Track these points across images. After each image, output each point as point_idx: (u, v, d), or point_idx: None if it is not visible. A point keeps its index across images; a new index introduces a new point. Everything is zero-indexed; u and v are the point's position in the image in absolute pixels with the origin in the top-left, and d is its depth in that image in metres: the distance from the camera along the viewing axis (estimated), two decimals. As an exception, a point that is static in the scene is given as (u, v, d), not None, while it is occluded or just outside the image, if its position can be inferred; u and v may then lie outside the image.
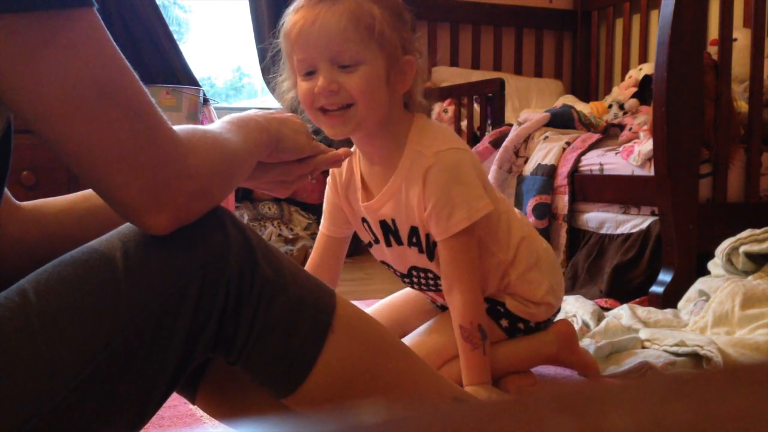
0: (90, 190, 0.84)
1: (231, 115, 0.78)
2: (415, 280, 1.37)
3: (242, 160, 0.74)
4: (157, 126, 0.62)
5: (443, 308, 1.44)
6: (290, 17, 1.14)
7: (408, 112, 1.24)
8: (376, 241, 1.35)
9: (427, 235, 1.25)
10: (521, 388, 1.32)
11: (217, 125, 0.74)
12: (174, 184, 0.62)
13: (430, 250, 1.27)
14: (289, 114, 0.90)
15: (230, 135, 0.73)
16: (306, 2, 1.13)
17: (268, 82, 3.24)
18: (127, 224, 0.66)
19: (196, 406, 0.87)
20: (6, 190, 0.78)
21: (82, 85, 0.57)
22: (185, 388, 0.84)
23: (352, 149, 1.31)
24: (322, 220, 1.40)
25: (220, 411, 0.85)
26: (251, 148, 0.76)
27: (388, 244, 1.31)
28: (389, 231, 1.30)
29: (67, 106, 0.57)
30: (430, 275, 1.34)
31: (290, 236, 2.92)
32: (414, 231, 1.27)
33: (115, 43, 0.60)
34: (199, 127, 0.70)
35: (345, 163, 1.31)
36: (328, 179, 1.37)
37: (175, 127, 0.64)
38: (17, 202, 0.81)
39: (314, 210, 3.13)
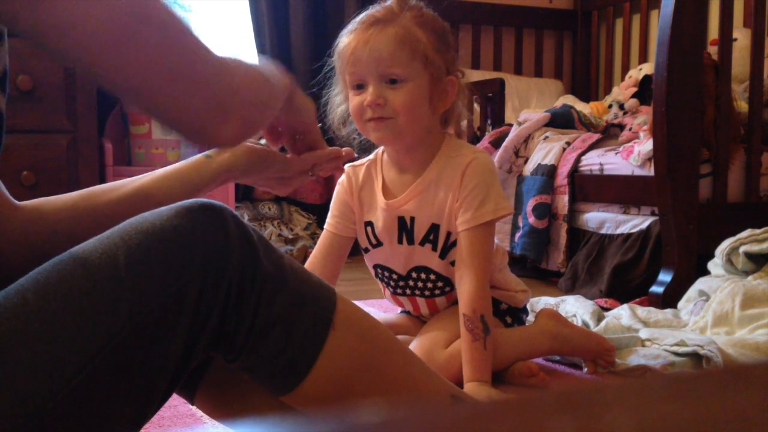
0: (90, 189, 0.84)
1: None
2: (411, 283, 1.40)
3: (272, 84, 0.75)
4: (197, 44, 0.63)
5: None
6: (344, 39, 1.29)
7: (442, 129, 1.35)
8: (376, 245, 1.39)
9: (448, 234, 1.33)
10: (526, 380, 1.34)
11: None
12: (231, 94, 0.64)
13: (445, 248, 1.35)
14: None
15: (253, 63, 0.74)
16: (359, 26, 1.27)
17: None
18: (129, 221, 0.66)
19: (195, 407, 0.87)
20: (5, 191, 0.78)
21: (117, 14, 0.57)
22: (184, 389, 0.84)
23: (371, 155, 1.40)
24: (329, 219, 1.42)
25: (219, 412, 0.85)
26: (277, 76, 0.77)
27: (400, 242, 1.36)
28: (404, 229, 1.35)
29: (109, 38, 0.57)
30: (431, 277, 1.38)
31: (290, 236, 2.92)
32: (433, 228, 1.34)
33: None
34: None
35: (363, 168, 1.39)
36: (341, 178, 1.41)
37: None
38: (16, 201, 0.81)
39: (314, 210, 3.13)
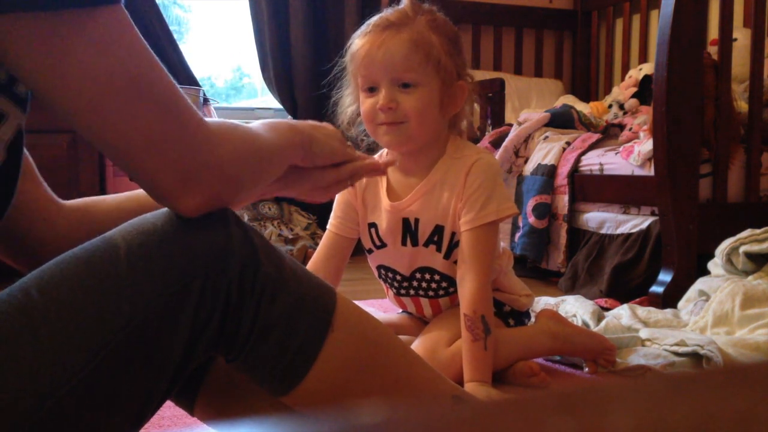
0: (136, 191, 0.86)
1: (263, 120, 0.80)
2: (415, 284, 1.40)
3: (272, 154, 0.76)
4: (186, 115, 0.64)
5: None
6: (358, 40, 1.28)
7: (449, 132, 1.35)
8: (380, 246, 1.39)
9: (452, 235, 1.33)
10: (526, 379, 1.34)
11: (248, 124, 0.76)
12: (203, 170, 0.65)
13: (449, 249, 1.35)
14: (323, 123, 0.90)
15: (260, 131, 0.75)
16: (373, 28, 1.27)
17: (268, 82, 3.25)
18: (131, 222, 0.67)
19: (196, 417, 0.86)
20: (49, 191, 0.82)
21: (112, 80, 0.59)
22: (183, 398, 0.84)
23: (375, 156, 1.40)
24: (332, 220, 1.42)
25: (219, 418, 0.85)
26: (283, 144, 0.78)
27: (404, 244, 1.37)
28: (408, 231, 1.36)
29: (99, 101, 0.59)
30: (435, 277, 1.38)
31: (290, 236, 2.92)
32: (437, 230, 1.34)
33: (142, 38, 0.63)
34: (229, 120, 0.72)
35: None
36: None
37: (237, 103, 0.66)
38: (60, 201, 0.84)
39: (314, 210, 3.13)
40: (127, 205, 0.85)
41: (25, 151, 0.78)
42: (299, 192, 0.90)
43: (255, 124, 0.77)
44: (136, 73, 0.61)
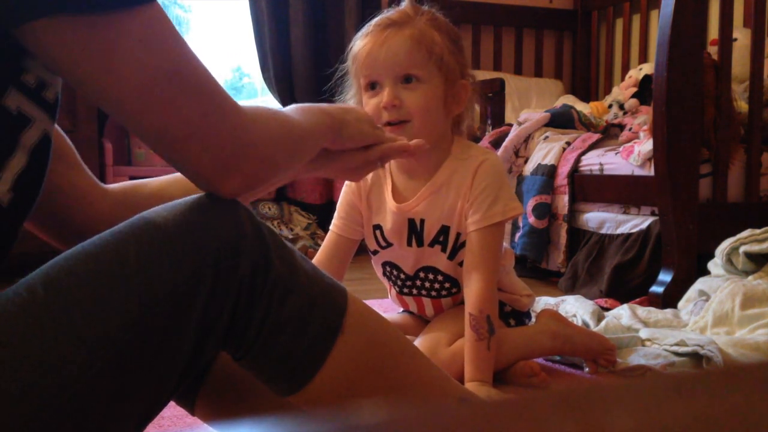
0: (176, 175, 0.88)
1: (294, 105, 0.82)
2: (418, 283, 1.40)
3: (304, 135, 0.78)
4: (223, 103, 0.67)
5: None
6: (359, 41, 1.28)
7: (453, 132, 1.36)
8: (386, 246, 1.39)
9: (457, 236, 1.34)
10: (527, 379, 1.34)
11: (280, 109, 0.78)
12: (240, 152, 0.67)
13: (454, 249, 1.35)
14: (353, 105, 0.92)
15: (292, 114, 0.78)
16: (374, 28, 1.28)
17: (268, 82, 3.25)
18: (142, 215, 0.66)
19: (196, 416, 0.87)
20: (92, 176, 0.86)
21: (155, 72, 0.62)
22: (183, 398, 0.84)
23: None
24: (335, 220, 1.42)
25: (220, 418, 0.84)
26: (314, 126, 0.80)
27: (409, 244, 1.37)
28: (414, 231, 1.36)
29: (143, 93, 0.62)
30: (438, 277, 1.38)
31: (290, 236, 2.92)
32: (443, 230, 1.34)
33: (179, 31, 0.65)
34: (262, 105, 0.75)
35: None
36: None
37: (240, 103, 0.70)
38: (103, 185, 0.87)
39: (314, 210, 3.13)
40: (167, 189, 0.87)
41: (67, 138, 0.84)
42: (328, 173, 0.92)
43: (287, 109, 0.79)
44: (175, 64, 0.63)
